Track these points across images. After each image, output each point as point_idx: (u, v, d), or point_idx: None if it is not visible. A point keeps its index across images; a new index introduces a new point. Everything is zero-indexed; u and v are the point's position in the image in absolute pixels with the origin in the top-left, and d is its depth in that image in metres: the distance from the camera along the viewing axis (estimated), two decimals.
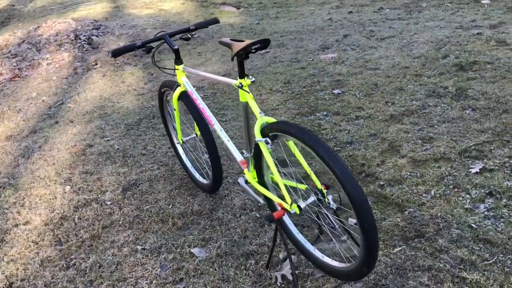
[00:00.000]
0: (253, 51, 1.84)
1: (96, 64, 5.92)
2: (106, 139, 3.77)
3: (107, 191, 3.02)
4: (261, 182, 2.19)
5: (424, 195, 2.57)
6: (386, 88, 4.05)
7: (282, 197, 1.96)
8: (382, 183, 2.71)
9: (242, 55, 1.86)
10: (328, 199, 1.89)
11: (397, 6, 7.08)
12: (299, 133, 1.73)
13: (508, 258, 2.06)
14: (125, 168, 3.28)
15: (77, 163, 3.41)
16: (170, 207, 2.78)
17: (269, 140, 1.89)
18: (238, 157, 2.33)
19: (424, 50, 4.89)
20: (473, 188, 2.56)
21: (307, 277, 2.11)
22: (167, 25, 7.56)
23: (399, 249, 2.19)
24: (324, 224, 1.94)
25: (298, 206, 1.88)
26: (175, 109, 2.65)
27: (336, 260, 1.99)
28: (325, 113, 3.74)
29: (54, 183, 3.17)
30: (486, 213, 2.36)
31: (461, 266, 2.04)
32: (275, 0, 8.86)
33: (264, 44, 1.85)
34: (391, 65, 4.59)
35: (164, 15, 8.36)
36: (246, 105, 2.08)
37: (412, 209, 2.46)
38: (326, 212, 1.91)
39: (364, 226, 1.62)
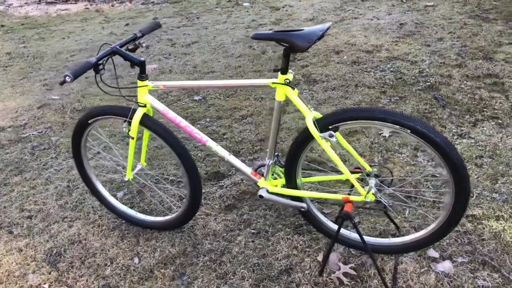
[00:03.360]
0: None
1: None
2: None
3: (28, 273, 2.19)
4: (293, 186, 2.00)
5: (372, 163, 2.80)
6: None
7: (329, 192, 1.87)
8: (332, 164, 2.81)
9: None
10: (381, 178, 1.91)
11: (170, 15, 7.15)
12: (385, 115, 1.68)
13: (478, 189, 2.48)
14: (23, 239, 2.43)
15: None
16: (138, 262, 2.23)
17: (333, 133, 1.76)
18: (247, 169, 2.07)
19: (240, 49, 5.15)
20: (401, 148, 2.93)
21: (362, 265, 2.06)
22: None
23: (407, 212, 2.36)
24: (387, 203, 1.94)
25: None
26: (133, 138, 2.12)
27: (395, 236, 2.03)
28: (207, 119, 3.57)
29: None
30: (430, 163, 2.75)
31: None
32: (21, 21, 7.69)
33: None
34: (223, 67, 4.68)
35: None
36: (281, 105, 1.85)
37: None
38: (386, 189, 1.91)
39: (465, 192, 1.71)
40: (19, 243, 2.40)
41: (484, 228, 2.19)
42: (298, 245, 2.22)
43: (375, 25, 5.49)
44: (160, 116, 2.10)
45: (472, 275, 1.96)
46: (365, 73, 4.14)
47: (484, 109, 3.31)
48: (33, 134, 3.60)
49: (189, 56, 5.10)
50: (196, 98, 3.96)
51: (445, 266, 2.00)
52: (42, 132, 3.64)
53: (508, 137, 2.92)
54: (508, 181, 2.50)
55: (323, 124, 1.78)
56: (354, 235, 2.05)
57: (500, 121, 3.13)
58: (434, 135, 1.65)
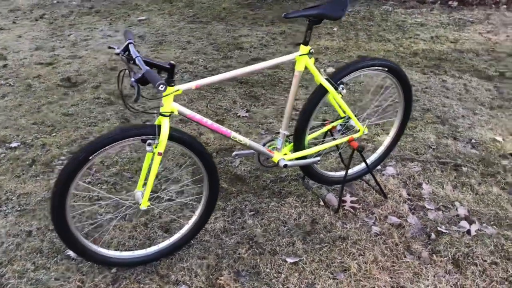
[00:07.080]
0: None
1: None
2: None
3: None
4: (302, 147, 2.32)
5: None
6: None
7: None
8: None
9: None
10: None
11: None
12: (374, 61, 2.25)
13: None
14: None
15: None
16: (190, 286, 2.07)
17: (343, 86, 2.21)
18: (264, 149, 2.25)
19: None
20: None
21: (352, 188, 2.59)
22: None
23: None
24: None
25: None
26: (161, 154, 1.91)
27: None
28: None
29: None
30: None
31: None
32: None
33: None
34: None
35: None
36: (301, 75, 2.12)
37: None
38: None
39: (410, 107, 2.50)
40: None
41: (379, 142, 3.06)
42: (296, 204, 2.54)
43: (116, 41, 5.64)
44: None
45: (407, 168, 2.80)
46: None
47: (281, 83, 4.22)
48: None
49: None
50: None
51: (391, 170, 2.78)
52: None
53: (306, 94, 3.89)
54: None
55: (333, 81, 2.19)
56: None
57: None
58: (400, 70, 2.35)
